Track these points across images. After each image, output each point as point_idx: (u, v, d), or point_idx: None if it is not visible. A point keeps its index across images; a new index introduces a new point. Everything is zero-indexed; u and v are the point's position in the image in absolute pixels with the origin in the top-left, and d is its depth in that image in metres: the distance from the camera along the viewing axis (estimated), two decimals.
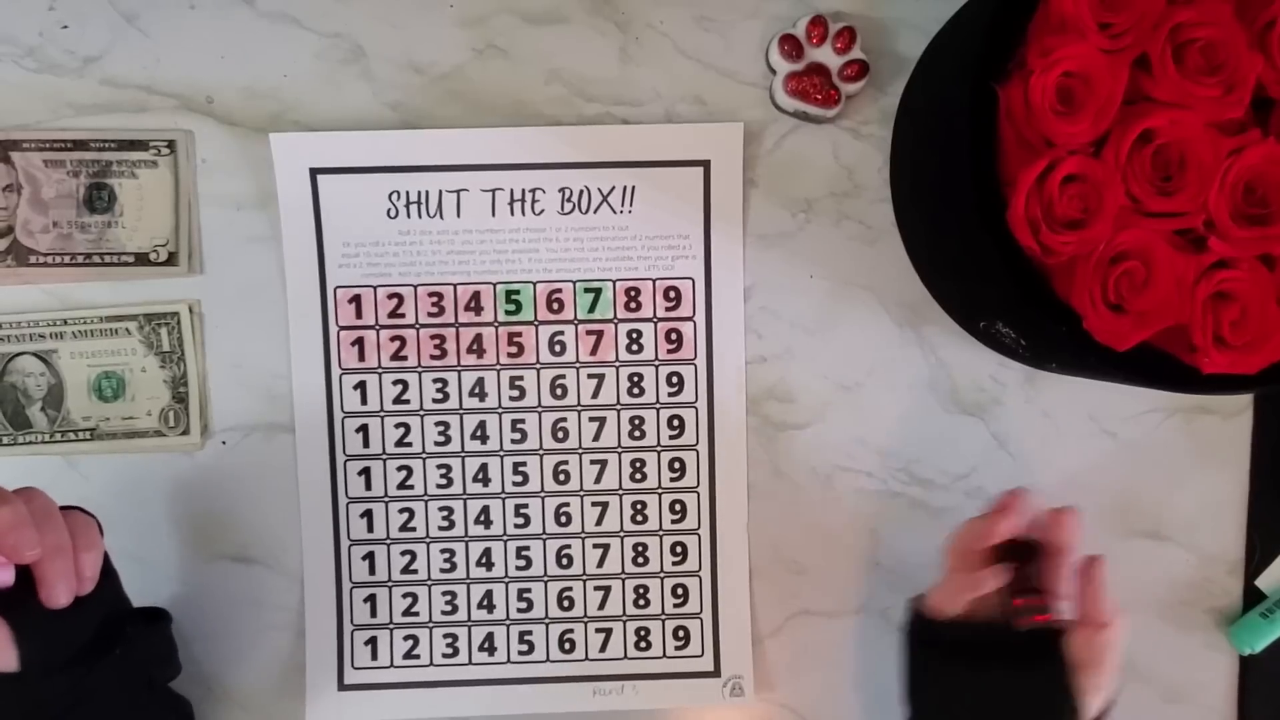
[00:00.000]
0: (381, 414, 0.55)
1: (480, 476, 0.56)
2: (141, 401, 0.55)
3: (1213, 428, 0.57)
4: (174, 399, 0.55)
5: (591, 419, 0.56)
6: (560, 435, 0.56)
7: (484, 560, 0.56)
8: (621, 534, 0.56)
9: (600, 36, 0.54)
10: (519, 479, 0.56)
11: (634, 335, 0.55)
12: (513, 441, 0.56)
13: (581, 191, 0.54)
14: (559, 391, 0.56)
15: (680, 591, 0.56)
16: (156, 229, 0.53)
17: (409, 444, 0.55)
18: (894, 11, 0.54)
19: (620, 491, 0.56)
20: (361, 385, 0.55)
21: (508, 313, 0.55)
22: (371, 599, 0.56)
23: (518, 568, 0.56)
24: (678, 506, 0.56)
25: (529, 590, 0.56)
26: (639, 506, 0.56)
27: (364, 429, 0.55)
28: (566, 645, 0.56)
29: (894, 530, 0.57)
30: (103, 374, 0.54)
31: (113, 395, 0.55)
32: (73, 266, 0.54)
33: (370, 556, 0.56)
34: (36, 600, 0.41)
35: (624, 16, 0.54)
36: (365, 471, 0.56)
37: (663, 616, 0.56)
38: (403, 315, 0.55)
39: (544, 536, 0.56)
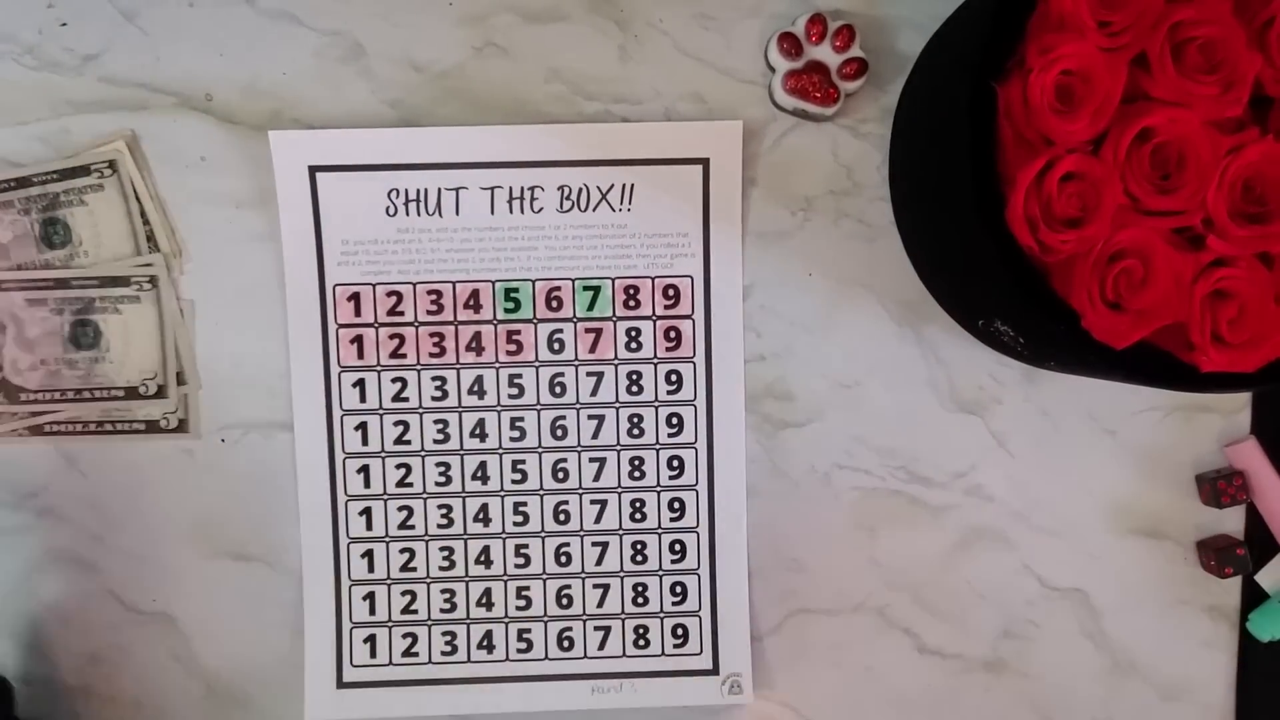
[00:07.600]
0: (380, 412, 0.55)
1: (479, 474, 0.56)
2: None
3: (1211, 426, 0.57)
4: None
5: (590, 417, 0.56)
6: (559, 433, 0.56)
7: (483, 558, 0.56)
8: (620, 532, 0.56)
9: (600, 35, 0.54)
10: (517, 477, 0.56)
11: (633, 333, 0.55)
12: (511, 439, 0.56)
13: (580, 189, 0.54)
14: (558, 389, 0.56)
15: (679, 589, 0.56)
16: (144, 363, 0.54)
17: (408, 441, 0.56)
18: (893, 9, 0.54)
19: (619, 489, 0.56)
20: (360, 383, 0.55)
21: (506, 311, 0.55)
22: (370, 597, 0.56)
23: (516, 565, 0.56)
24: (676, 504, 0.56)
25: (527, 588, 0.56)
26: (638, 504, 0.56)
27: (363, 427, 0.55)
28: (565, 643, 0.56)
29: (893, 528, 0.57)
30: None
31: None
32: (64, 402, 0.54)
33: (369, 554, 0.56)
34: None
35: (624, 15, 0.54)
36: (364, 469, 0.56)
37: (661, 614, 0.57)
38: (402, 313, 0.55)
39: (542, 534, 0.56)
